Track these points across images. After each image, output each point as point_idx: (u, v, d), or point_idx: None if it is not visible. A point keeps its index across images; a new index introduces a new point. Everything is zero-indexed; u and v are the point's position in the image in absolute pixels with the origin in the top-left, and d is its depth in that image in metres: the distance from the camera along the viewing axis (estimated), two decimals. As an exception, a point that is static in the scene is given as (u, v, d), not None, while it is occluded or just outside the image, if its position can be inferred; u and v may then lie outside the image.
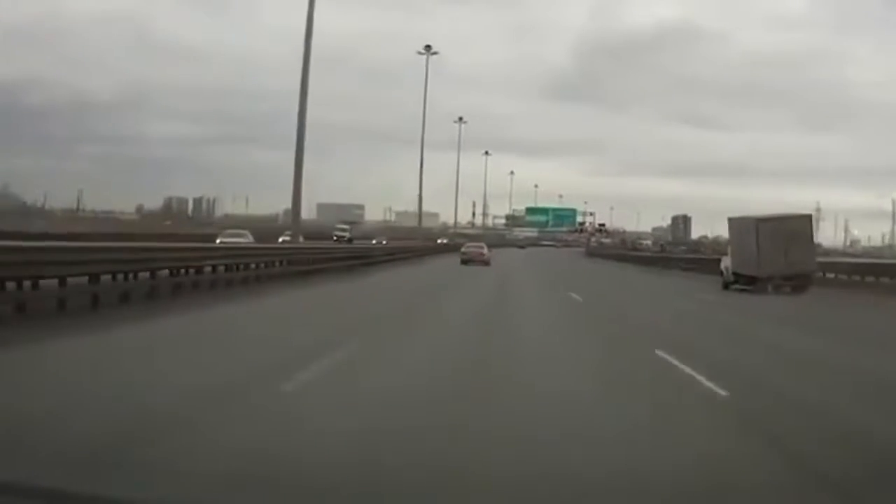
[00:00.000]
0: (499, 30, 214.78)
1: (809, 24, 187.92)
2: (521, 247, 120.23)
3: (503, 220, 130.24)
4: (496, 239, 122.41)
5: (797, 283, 30.55)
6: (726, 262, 33.94)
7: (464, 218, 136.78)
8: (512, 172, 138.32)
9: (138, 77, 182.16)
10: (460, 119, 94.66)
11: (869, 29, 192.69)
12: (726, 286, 32.83)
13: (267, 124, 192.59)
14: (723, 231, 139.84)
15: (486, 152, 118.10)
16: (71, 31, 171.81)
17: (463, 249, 50.66)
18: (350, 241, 68.90)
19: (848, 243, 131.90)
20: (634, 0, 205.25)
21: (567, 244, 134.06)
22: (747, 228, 32.46)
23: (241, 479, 4.64)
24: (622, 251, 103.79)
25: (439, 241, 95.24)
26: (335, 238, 70.51)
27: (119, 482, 4.40)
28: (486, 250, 49.42)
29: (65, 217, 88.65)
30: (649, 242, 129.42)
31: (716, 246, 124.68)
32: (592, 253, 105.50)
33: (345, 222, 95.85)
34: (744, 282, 31.83)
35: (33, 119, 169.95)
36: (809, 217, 33.52)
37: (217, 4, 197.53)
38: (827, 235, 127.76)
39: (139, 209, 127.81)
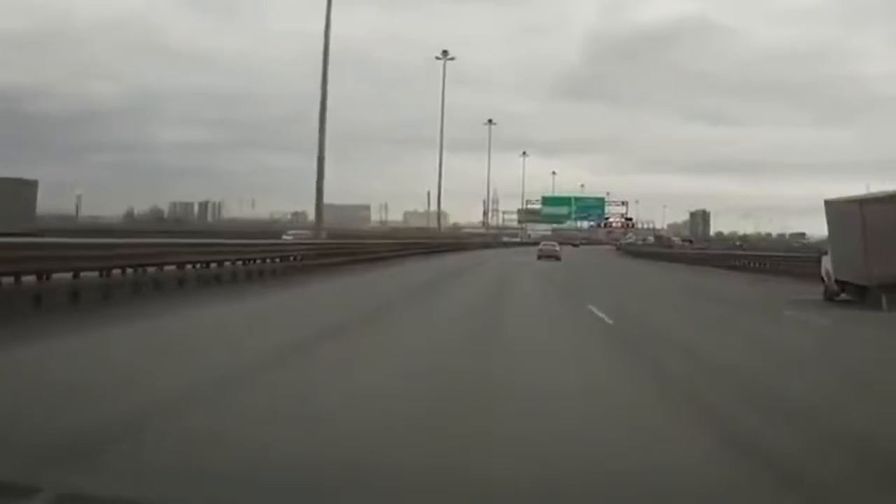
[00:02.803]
0: (509, 29, 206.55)
1: (824, 19, 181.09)
2: (576, 244, 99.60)
3: (515, 216, 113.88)
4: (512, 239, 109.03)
5: None
6: (827, 264, 21.75)
7: (476, 217, 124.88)
8: (524, 153, 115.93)
9: (145, 83, 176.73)
10: (445, 56, 74.99)
11: (883, 21, 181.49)
12: (830, 297, 20.99)
13: (275, 128, 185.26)
14: (739, 227, 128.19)
15: (490, 120, 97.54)
16: (77, 39, 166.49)
17: (540, 246, 60.85)
18: None
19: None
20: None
21: (588, 241, 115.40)
22: (849, 216, 20.18)
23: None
24: (656, 248, 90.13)
25: (287, 235, 45.26)
26: None
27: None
28: (557, 247, 59.68)
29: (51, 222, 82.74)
30: (678, 238, 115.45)
31: (731, 241, 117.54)
32: (629, 251, 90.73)
33: None
34: (851, 291, 20.31)
35: (40, 126, 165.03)
36: None
37: (224, 10, 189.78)
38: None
39: (129, 213, 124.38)
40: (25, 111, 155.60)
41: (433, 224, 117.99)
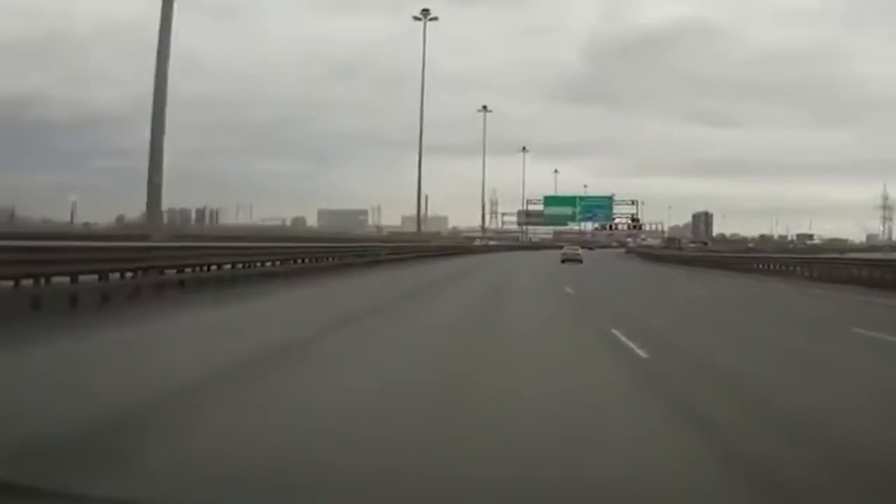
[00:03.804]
0: (510, 31, 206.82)
1: (823, 20, 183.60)
2: (590, 248, 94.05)
3: (514, 218, 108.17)
4: (509, 242, 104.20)
5: None
6: None
7: (478, 220, 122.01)
8: (524, 149, 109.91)
9: (144, 87, 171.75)
10: (426, 16, 63.58)
11: (883, 22, 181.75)
12: None
13: (276, 132, 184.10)
14: (741, 229, 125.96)
15: (485, 107, 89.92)
16: (76, 45, 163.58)
17: (564, 251, 63.81)
18: None
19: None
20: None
21: (591, 244, 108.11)
22: None
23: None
24: (667, 251, 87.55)
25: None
26: None
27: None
28: (580, 251, 64.24)
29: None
30: (686, 240, 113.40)
31: (736, 243, 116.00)
32: (641, 254, 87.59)
33: None
34: None
35: (39, 132, 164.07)
36: None
37: (223, 14, 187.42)
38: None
39: (119, 219, 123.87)
40: (25, 117, 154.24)
41: (432, 228, 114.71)
